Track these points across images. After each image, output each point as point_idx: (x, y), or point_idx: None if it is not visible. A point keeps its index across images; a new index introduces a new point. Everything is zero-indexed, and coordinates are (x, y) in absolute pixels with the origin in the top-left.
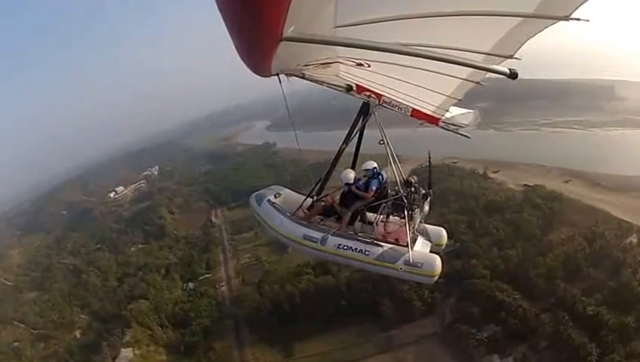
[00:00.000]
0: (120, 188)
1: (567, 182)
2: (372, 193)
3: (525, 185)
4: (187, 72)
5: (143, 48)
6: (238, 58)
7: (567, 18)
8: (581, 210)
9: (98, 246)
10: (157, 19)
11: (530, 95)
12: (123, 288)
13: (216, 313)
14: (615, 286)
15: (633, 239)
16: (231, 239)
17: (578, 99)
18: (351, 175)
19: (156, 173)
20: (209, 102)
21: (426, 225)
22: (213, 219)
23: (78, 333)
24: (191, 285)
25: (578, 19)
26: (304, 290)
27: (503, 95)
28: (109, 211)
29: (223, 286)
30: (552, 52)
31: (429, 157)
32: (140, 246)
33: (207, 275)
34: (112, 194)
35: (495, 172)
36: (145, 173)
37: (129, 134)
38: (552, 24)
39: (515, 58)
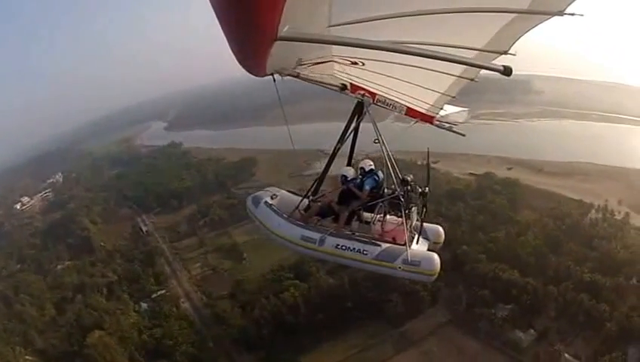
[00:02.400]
0: (25, 199)
1: (510, 169)
2: (366, 193)
3: (472, 173)
4: (72, 76)
5: (34, 51)
6: (123, 62)
7: (561, 13)
8: (537, 193)
9: (19, 266)
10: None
11: (467, 89)
12: (67, 317)
13: (195, 336)
14: (597, 255)
15: (594, 215)
16: (172, 248)
17: (495, 94)
18: (351, 171)
19: (61, 180)
20: (95, 106)
21: (424, 224)
22: (144, 228)
23: None
24: (144, 305)
25: (572, 15)
26: (305, 297)
27: None
28: (21, 224)
29: (184, 302)
30: None
31: (428, 155)
32: (67, 263)
33: (161, 292)
34: (17, 206)
35: (435, 162)
36: (49, 180)
37: (18, 142)
38: (546, 20)
39: (510, 54)
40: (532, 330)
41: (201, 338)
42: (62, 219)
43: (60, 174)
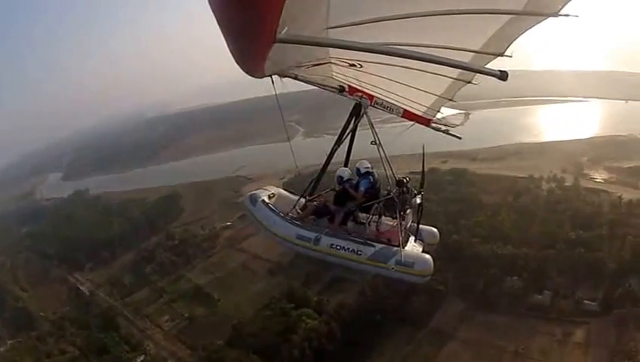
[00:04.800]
0: None
1: (445, 162)
2: (361, 194)
3: (413, 172)
4: None
5: None
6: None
7: (556, 14)
8: (487, 178)
9: None
10: None
11: (339, 100)
12: None
13: None
14: (570, 215)
15: (547, 186)
16: (125, 304)
17: None
18: (347, 172)
19: None
20: None
21: (419, 225)
22: (84, 288)
23: None
24: None
25: (567, 16)
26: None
27: (310, 105)
28: None
29: None
30: None
31: (423, 155)
32: (10, 342)
33: (140, 358)
34: None
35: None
36: None
37: None
38: (541, 21)
39: (506, 56)
40: (546, 291)
41: None
42: None
43: None
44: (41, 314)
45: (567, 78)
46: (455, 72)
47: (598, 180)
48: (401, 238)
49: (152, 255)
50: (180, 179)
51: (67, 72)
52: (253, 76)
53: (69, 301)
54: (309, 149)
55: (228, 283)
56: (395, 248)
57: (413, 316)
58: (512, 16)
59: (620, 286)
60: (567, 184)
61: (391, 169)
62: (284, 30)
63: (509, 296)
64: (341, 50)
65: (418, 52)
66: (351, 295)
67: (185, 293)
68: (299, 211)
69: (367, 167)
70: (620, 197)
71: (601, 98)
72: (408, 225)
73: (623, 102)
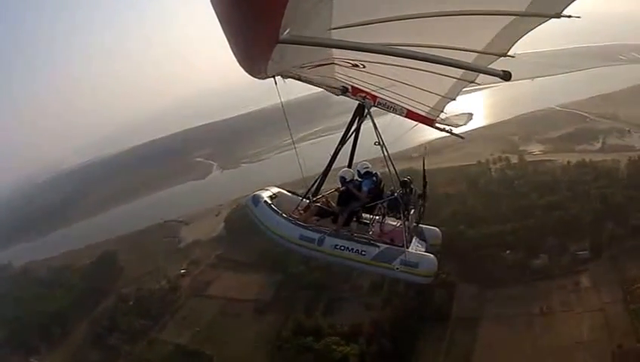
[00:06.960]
0: None
1: (384, 166)
2: (365, 194)
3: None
4: None
5: None
6: None
7: (558, 15)
8: (436, 173)
9: None
10: None
11: (254, 126)
12: None
13: None
14: (531, 186)
15: (495, 167)
16: None
17: (307, 113)
18: (349, 173)
19: None
20: None
21: (422, 225)
22: None
23: None
24: None
25: (569, 17)
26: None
27: (219, 138)
28: None
29: None
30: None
31: (424, 156)
32: None
33: None
34: None
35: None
36: None
37: None
38: (544, 22)
39: (509, 56)
40: (542, 254)
41: None
42: None
43: None
44: None
45: None
46: (458, 72)
47: (537, 153)
48: (405, 238)
49: (112, 322)
50: (105, 235)
51: None
52: (255, 77)
53: None
54: (230, 182)
55: (214, 335)
56: (399, 248)
57: (435, 312)
58: (515, 17)
59: (601, 231)
60: (513, 162)
61: (394, 169)
62: (287, 31)
63: (511, 268)
64: (344, 50)
65: (421, 52)
66: (358, 310)
67: (168, 357)
68: (301, 212)
69: (367, 167)
70: (568, 161)
71: (507, 81)
72: (411, 226)
73: (529, 80)
